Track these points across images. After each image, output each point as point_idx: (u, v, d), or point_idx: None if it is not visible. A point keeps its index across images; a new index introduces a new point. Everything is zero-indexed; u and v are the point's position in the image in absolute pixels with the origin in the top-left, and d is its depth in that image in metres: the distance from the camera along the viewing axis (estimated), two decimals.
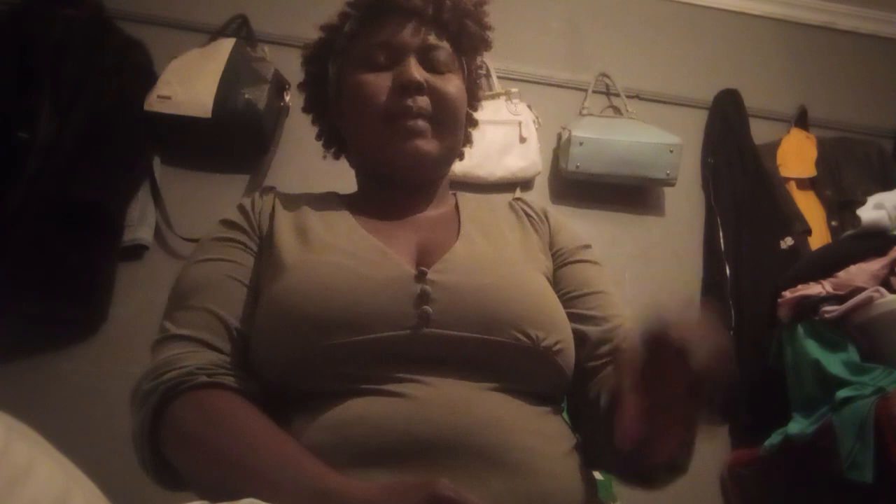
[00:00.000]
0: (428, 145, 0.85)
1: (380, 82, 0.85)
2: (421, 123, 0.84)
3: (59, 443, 0.45)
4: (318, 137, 1.02)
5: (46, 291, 1.63)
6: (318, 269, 0.74)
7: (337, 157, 1.02)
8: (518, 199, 0.99)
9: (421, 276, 0.74)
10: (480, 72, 1.01)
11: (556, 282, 0.87)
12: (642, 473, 0.74)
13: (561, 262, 0.89)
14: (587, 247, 0.93)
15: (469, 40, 0.92)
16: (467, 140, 1.02)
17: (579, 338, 0.82)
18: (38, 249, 1.62)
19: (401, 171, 0.87)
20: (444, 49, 0.89)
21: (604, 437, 0.76)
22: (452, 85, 0.88)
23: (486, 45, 0.94)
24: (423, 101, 0.84)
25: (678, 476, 0.74)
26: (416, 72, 0.85)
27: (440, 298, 0.72)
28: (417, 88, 0.84)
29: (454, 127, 0.89)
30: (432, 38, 0.88)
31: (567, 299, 0.85)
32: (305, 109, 1.00)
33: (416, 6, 0.88)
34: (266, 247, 0.83)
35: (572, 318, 0.82)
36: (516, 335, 0.72)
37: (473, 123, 1.02)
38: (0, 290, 1.60)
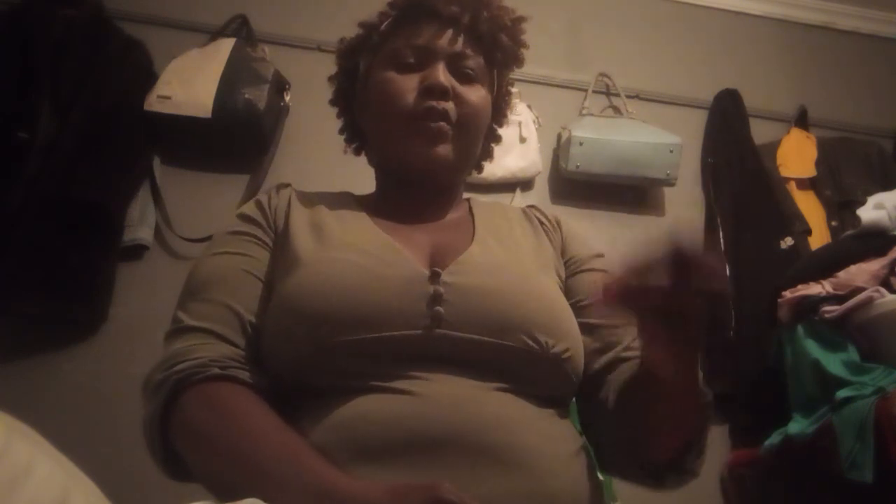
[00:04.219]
0: (446, 150, 0.85)
1: (406, 82, 0.86)
2: (443, 126, 0.85)
3: (59, 443, 0.45)
4: (342, 132, 1.02)
5: (46, 291, 1.63)
6: (331, 266, 0.75)
7: (357, 153, 1.02)
8: (532, 206, 0.99)
9: (434, 277, 0.74)
10: (511, 88, 1.01)
11: (567, 290, 0.87)
12: (653, 473, 0.75)
13: (572, 270, 0.90)
14: (599, 256, 0.93)
15: (502, 54, 0.93)
16: (488, 154, 1.02)
17: (587, 347, 0.82)
18: (38, 249, 1.62)
19: (417, 173, 0.88)
20: (474, 59, 0.89)
21: (614, 435, 0.77)
22: (477, 95, 0.89)
23: (518, 61, 0.95)
24: (447, 106, 0.85)
25: (688, 478, 0.75)
26: (444, 76, 0.85)
27: (453, 300, 0.73)
28: (442, 92, 0.85)
29: (474, 136, 0.90)
30: (465, 48, 0.89)
31: (578, 308, 0.85)
32: (332, 102, 1.01)
33: (454, 13, 0.88)
34: (281, 242, 0.83)
35: (581, 327, 0.82)
36: (526, 340, 0.72)
37: (497, 139, 1.02)
38: (0, 290, 1.60)
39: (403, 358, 0.70)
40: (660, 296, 0.56)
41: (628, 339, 0.83)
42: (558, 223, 0.95)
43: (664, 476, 0.75)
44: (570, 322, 0.79)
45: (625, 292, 0.57)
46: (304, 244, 0.80)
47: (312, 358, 0.71)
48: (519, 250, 0.86)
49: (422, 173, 0.87)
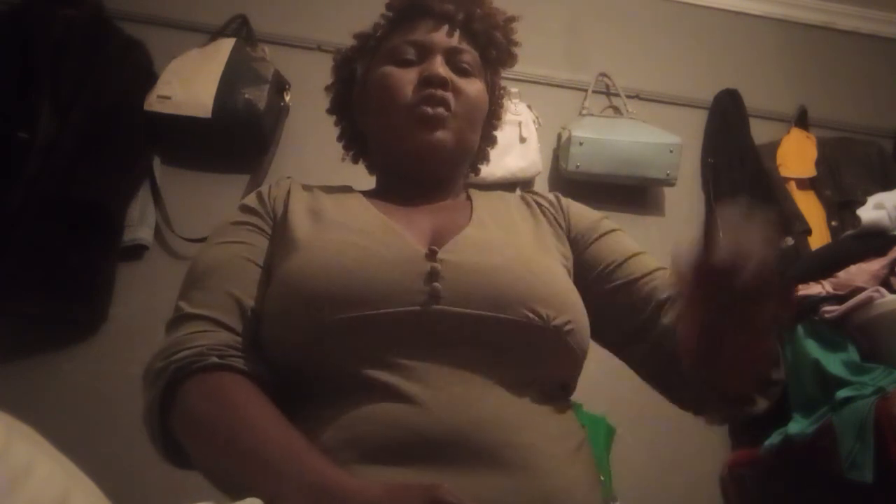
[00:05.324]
0: (445, 136, 0.86)
1: (405, 76, 0.88)
2: (441, 111, 0.86)
3: (59, 443, 0.45)
4: (340, 139, 1.03)
5: (46, 291, 1.63)
6: (329, 247, 0.76)
7: (356, 160, 1.04)
8: (529, 191, 1.00)
9: (432, 255, 0.75)
10: (503, 92, 1.03)
11: (588, 262, 0.88)
12: (724, 399, 0.74)
13: (586, 243, 0.90)
14: (605, 217, 0.94)
15: (497, 52, 0.95)
16: (484, 156, 1.03)
17: (629, 306, 0.83)
18: (38, 249, 1.62)
19: (417, 162, 0.89)
20: (470, 54, 0.92)
21: (692, 381, 0.74)
22: (475, 87, 0.91)
23: (511, 59, 0.97)
24: (445, 95, 0.86)
25: (776, 388, 0.76)
26: (442, 68, 0.87)
27: (450, 276, 0.73)
28: (441, 83, 0.86)
29: (472, 126, 0.91)
30: (461, 42, 0.91)
31: (606, 274, 0.86)
32: (330, 111, 1.03)
33: (448, 11, 0.91)
34: (279, 228, 0.84)
35: (616, 289, 0.84)
36: (526, 313, 0.72)
37: (492, 142, 1.03)
38: (0, 290, 1.60)
39: (402, 337, 0.70)
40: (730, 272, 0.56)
41: (664, 282, 0.84)
42: (558, 200, 0.95)
43: (756, 395, 0.75)
44: (572, 295, 0.79)
45: (699, 275, 0.58)
46: (301, 228, 0.81)
47: (311, 338, 0.71)
48: (516, 230, 0.87)
49: (422, 161, 0.88)
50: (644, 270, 0.86)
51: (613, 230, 0.92)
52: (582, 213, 0.94)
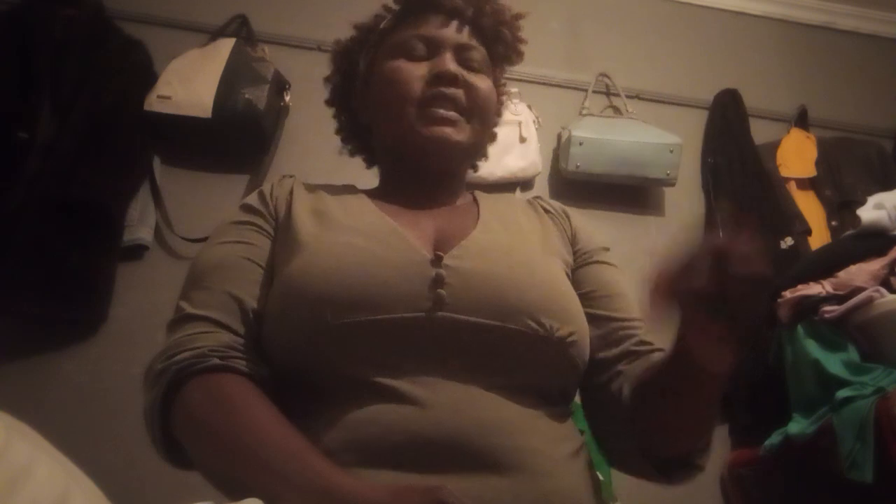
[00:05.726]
0: (456, 135, 0.86)
1: (415, 70, 0.87)
2: (452, 113, 0.86)
3: (59, 443, 0.45)
4: (338, 132, 1.03)
5: (46, 291, 1.63)
6: (333, 249, 0.75)
7: (353, 154, 1.03)
8: (537, 197, 0.99)
9: (437, 261, 0.74)
10: (504, 89, 1.03)
11: (575, 281, 0.87)
12: (662, 468, 0.75)
13: (581, 261, 0.90)
14: (606, 249, 0.93)
15: (504, 48, 0.95)
16: (484, 153, 1.03)
17: (597, 338, 0.82)
18: (38, 249, 1.62)
19: (425, 157, 0.88)
20: (479, 50, 0.91)
21: (626, 429, 0.77)
22: (485, 84, 0.90)
23: (518, 56, 0.97)
24: (456, 93, 0.86)
25: (696, 473, 0.75)
26: (452, 65, 0.87)
27: (455, 283, 0.72)
28: (452, 80, 0.86)
29: (483, 122, 0.91)
30: (470, 39, 0.91)
31: (587, 299, 0.85)
32: (329, 102, 1.02)
33: (457, 6, 0.90)
34: (282, 229, 0.83)
35: (591, 317, 0.82)
36: (530, 324, 0.72)
37: (492, 138, 1.03)
38: (0, 290, 1.60)
39: (405, 343, 0.70)
40: (706, 282, 0.56)
41: (641, 334, 0.83)
42: (566, 213, 0.95)
43: (673, 471, 0.75)
44: (575, 306, 0.79)
45: (673, 284, 0.58)
46: (306, 229, 0.80)
47: (313, 341, 0.70)
48: (523, 235, 0.86)
49: (430, 157, 0.88)
50: (626, 315, 0.85)
51: (612, 264, 0.91)
52: (588, 233, 0.94)
